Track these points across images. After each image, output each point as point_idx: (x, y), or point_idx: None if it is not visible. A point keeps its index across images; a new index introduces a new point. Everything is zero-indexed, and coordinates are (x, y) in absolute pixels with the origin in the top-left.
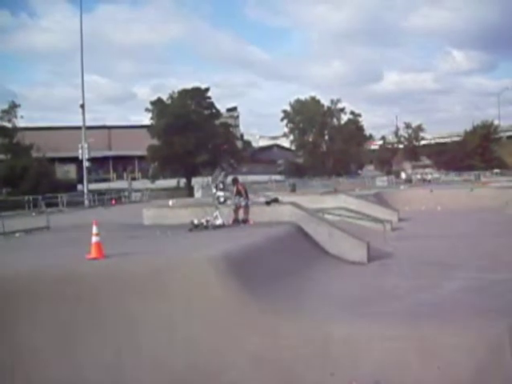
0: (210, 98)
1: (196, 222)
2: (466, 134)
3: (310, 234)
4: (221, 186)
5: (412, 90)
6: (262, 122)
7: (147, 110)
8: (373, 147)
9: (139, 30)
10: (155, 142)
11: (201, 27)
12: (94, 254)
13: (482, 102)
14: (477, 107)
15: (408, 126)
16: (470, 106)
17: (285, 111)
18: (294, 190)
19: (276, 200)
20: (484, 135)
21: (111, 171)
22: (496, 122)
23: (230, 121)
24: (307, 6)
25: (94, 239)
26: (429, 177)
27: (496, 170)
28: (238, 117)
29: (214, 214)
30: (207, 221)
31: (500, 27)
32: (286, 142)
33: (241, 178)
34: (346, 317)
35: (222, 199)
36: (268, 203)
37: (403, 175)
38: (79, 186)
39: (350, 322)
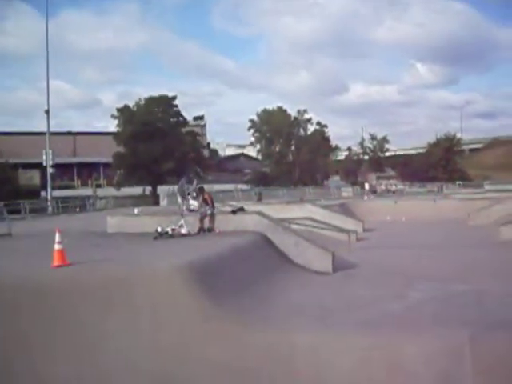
0: (176, 106)
1: (161, 230)
2: (430, 146)
3: (275, 243)
4: (194, 194)
5: (377, 101)
6: (229, 130)
7: (113, 116)
8: (339, 158)
9: (104, 37)
10: (121, 149)
11: (167, 36)
12: (56, 261)
13: (445, 115)
14: (440, 120)
15: (373, 137)
16: (434, 118)
17: (252, 121)
18: (260, 199)
19: (242, 209)
20: (447, 148)
21: (76, 178)
22: (458, 135)
23: (197, 129)
24: (272, 16)
25: (57, 247)
26: (393, 188)
27: (459, 182)
28: (204, 125)
29: (180, 223)
30: (173, 229)
31: (461, 42)
32: (252, 152)
33: (207, 187)
34: (312, 327)
35: (192, 207)
36: (234, 212)
37: (366, 186)
38: (43, 193)
39: (316, 332)
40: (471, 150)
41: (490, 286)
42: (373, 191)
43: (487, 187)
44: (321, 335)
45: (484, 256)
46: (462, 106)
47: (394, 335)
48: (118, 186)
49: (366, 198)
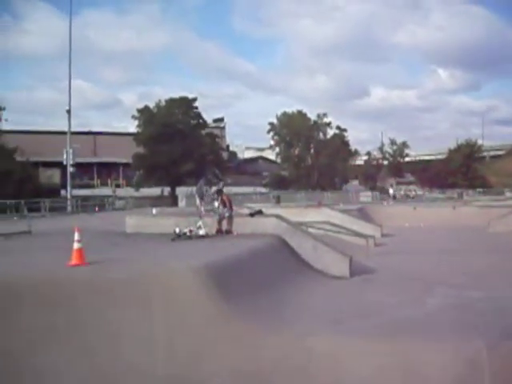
0: (196, 107)
1: (179, 231)
2: (450, 152)
3: (293, 247)
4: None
5: (397, 106)
6: (248, 133)
7: (134, 117)
8: (358, 162)
9: (125, 37)
10: (141, 149)
11: (187, 36)
12: (75, 260)
13: (466, 121)
14: (461, 126)
15: (393, 142)
16: (455, 124)
17: (271, 124)
18: (278, 202)
19: (260, 212)
20: (468, 154)
21: (95, 177)
22: (480, 142)
23: (217, 131)
24: (292, 18)
25: (76, 245)
26: (412, 193)
27: (479, 189)
28: (224, 127)
29: (198, 224)
30: (190, 231)
31: (483, 47)
32: (271, 155)
33: (225, 189)
34: (328, 332)
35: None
36: (252, 215)
37: (391, 190)
38: (63, 192)
39: (332, 337)
40: (492, 157)
41: (507, 293)
42: (393, 196)
43: (508, 194)
44: (337, 340)
45: (502, 263)
46: (483, 112)
47: (411, 342)
48: (137, 186)
49: (391, 202)
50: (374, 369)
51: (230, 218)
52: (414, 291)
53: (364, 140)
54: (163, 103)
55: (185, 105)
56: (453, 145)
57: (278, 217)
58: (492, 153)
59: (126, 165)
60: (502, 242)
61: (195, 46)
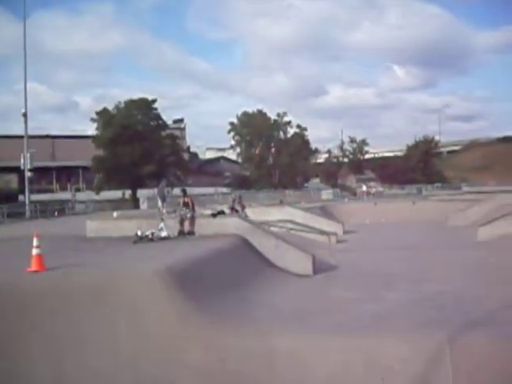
0: (156, 109)
1: (141, 234)
2: (409, 148)
3: (255, 246)
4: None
5: (356, 104)
6: (208, 133)
7: (92, 120)
8: (319, 161)
9: (79, 38)
10: (100, 152)
11: (143, 37)
12: (34, 266)
13: (424, 117)
14: (418, 123)
15: (352, 140)
16: (412, 121)
17: (232, 124)
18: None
19: (222, 212)
20: (425, 150)
21: (54, 182)
22: (437, 138)
23: (177, 132)
24: (248, 18)
25: (35, 251)
26: (373, 190)
27: (437, 184)
28: (184, 128)
29: (159, 226)
30: (152, 233)
31: (438, 46)
32: (232, 155)
33: (188, 190)
34: (292, 329)
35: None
36: (214, 215)
37: (364, 188)
38: (21, 197)
39: (296, 334)
40: (449, 153)
41: (468, 286)
42: (353, 193)
43: (465, 189)
44: (301, 338)
45: (462, 257)
46: (440, 108)
47: (373, 337)
48: (98, 189)
49: (365, 198)
50: (337, 365)
51: (192, 219)
52: (375, 287)
53: (324, 138)
54: (122, 105)
55: (144, 106)
56: (411, 141)
57: (240, 217)
58: (449, 148)
59: (85, 168)
60: (461, 235)
61: (151, 46)
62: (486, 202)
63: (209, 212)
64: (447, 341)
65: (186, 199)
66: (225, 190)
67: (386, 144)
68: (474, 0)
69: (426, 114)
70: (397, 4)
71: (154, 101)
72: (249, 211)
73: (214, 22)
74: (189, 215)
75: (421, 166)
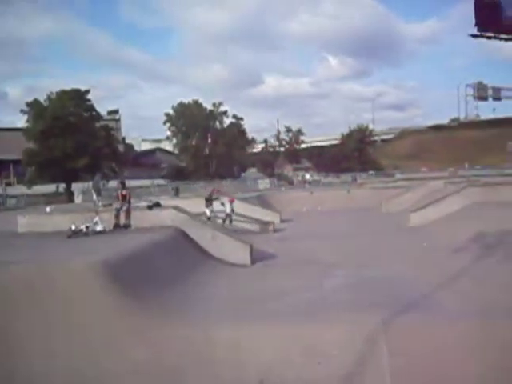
0: (89, 100)
1: (75, 228)
2: (343, 137)
3: (193, 237)
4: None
5: (291, 93)
6: (144, 125)
7: (22, 111)
8: (255, 150)
9: (7, 25)
10: (31, 145)
11: (76, 25)
12: None
13: (358, 106)
14: (353, 111)
15: (288, 129)
16: (347, 110)
17: (167, 114)
18: (177, 193)
19: (158, 204)
20: (360, 139)
21: None
22: (371, 126)
23: (112, 124)
24: (184, 7)
25: None
26: (309, 179)
27: (371, 172)
28: (119, 120)
29: (94, 220)
30: (87, 227)
31: (371, 36)
32: (169, 146)
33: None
34: (231, 319)
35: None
36: (150, 207)
37: (307, 176)
38: None
39: (235, 324)
40: (383, 141)
41: (401, 270)
42: (289, 182)
43: (398, 176)
44: (239, 327)
45: (395, 242)
46: (373, 98)
47: (310, 323)
48: (30, 183)
49: (307, 186)
50: (276, 352)
51: (128, 211)
52: (312, 274)
53: (261, 128)
54: (54, 96)
55: (77, 97)
56: (346, 130)
57: (176, 208)
58: (383, 137)
59: (16, 162)
60: (394, 221)
61: (85, 35)
62: (418, 188)
63: (144, 204)
64: (382, 324)
65: (123, 192)
66: (161, 181)
67: (321, 133)
68: None
69: (360, 103)
70: None
71: (87, 91)
72: (185, 203)
73: (149, 10)
74: (124, 208)
75: (356, 155)
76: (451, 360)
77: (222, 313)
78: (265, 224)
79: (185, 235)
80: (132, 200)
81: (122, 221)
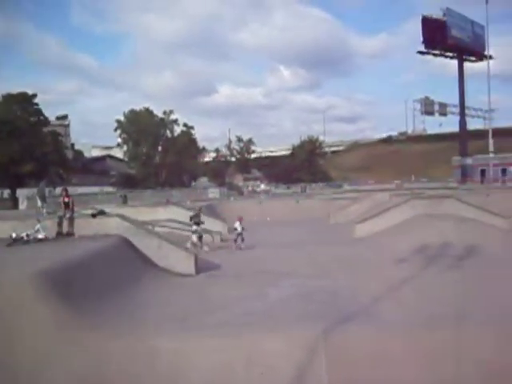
0: (37, 104)
1: (16, 236)
2: (294, 148)
3: (137, 246)
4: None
5: (243, 103)
6: (94, 131)
7: None
8: (207, 159)
9: None
10: None
11: (24, 28)
12: None
13: (309, 118)
14: (304, 123)
15: (239, 139)
16: (298, 121)
17: (118, 121)
18: (125, 201)
19: (102, 212)
20: (310, 150)
21: None
22: (321, 138)
23: (60, 129)
24: (134, 13)
25: None
26: (259, 189)
27: (321, 183)
28: (68, 125)
29: (36, 228)
30: (27, 235)
31: (322, 48)
32: (119, 153)
33: (71, 190)
34: (173, 330)
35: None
36: (94, 215)
37: (262, 186)
38: None
39: (176, 335)
40: (333, 152)
41: (345, 281)
42: (240, 192)
43: (346, 187)
44: (182, 338)
45: (341, 253)
46: (324, 109)
47: (254, 333)
48: None
49: (262, 197)
50: (218, 363)
51: (71, 219)
52: (258, 284)
53: (213, 137)
54: (0, 99)
55: (24, 101)
56: (297, 141)
57: (120, 216)
58: (333, 148)
59: None
60: (341, 232)
61: (32, 38)
62: (365, 200)
63: (89, 212)
64: (323, 334)
65: (65, 199)
66: (110, 189)
67: (272, 143)
68: (356, 7)
69: (312, 115)
70: (283, 5)
71: (34, 95)
72: (132, 211)
73: (99, 15)
74: (67, 215)
75: (306, 166)
76: (389, 370)
77: (164, 323)
78: (211, 234)
79: (129, 244)
80: (77, 208)
81: (65, 229)
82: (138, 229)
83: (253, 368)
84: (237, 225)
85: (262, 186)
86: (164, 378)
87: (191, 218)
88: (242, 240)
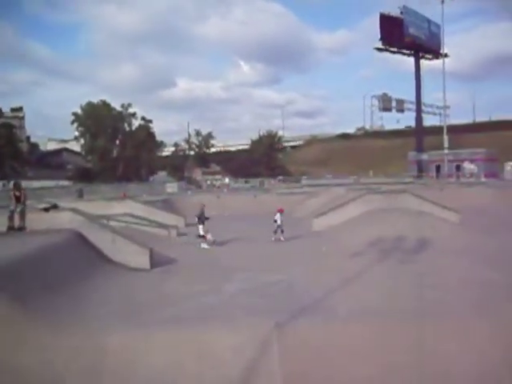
0: None
1: None
2: (253, 143)
3: (91, 241)
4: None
5: (203, 97)
6: (51, 124)
7: None
8: (165, 153)
9: None
10: None
11: None
12: None
13: (269, 113)
14: (263, 117)
15: (198, 133)
16: (258, 116)
17: (75, 114)
18: (81, 195)
19: (55, 206)
20: (269, 144)
21: None
22: (280, 133)
23: (15, 121)
24: (91, 3)
25: None
26: (218, 183)
27: (279, 178)
28: (23, 117)
29: None
30: None
31: (281, 43)
32: (76, 146)
33: (25, 183)
34: (125, 326)
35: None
36: (46, 209)
37: (226, 180)
38: None
39: (127, 330)
40: (292, 147)
41: (300, 275)
42: (198, 186)
43: (304, 182)
44: (133, 334)
45: (298, 246)
46: (284, 104)
47: (206, 328)
48: None
49: (225, 190)
50: (170, 359)
51: (22, 213)
52: (212, 279)
53: (173, 131)
54: None
55: None
56: (255, 136)
57: (73, 210)
58: (292, 143)
59: None
60: (299, 226)
61: None
62: (322, 194)
63: (42, 206)
64: (275, 328)
65: (16, 193)
66: (66, 183)
67: (232, 138)
68: (315, 2)
69: (271, 109)
70: (243, 0)
71: None
72: (88, 205)
73: (54, 4)
74: (19, 209)
75: (265, 160)
76: (341, 363)
77: (115, 319)
78: (168, 228)
79: (82, 238)
80: (31, 202)
81: (17, 223)
82: (91, 223)
83: (204, 362)
84: (277, 217)
85: (227, 180)
86: (113, 375)
87: (198, 218)
88: (282, 232)
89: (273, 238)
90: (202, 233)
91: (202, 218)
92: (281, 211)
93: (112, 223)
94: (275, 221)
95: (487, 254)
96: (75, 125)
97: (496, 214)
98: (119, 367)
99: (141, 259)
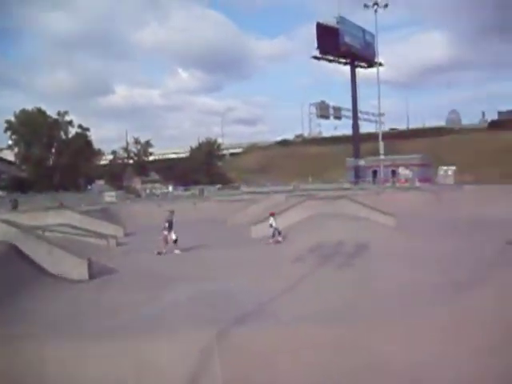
0: None
1: None
2: (192, 150)
3: (26, 253)
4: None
5: (141, 105)
6: None
7: None
8: (103, 162)
9: None
10: None
11: None
12: None
13: (208, 120)
14: (203, 125)
15: (137, 141)
16: (197, 123)
17: (9, 122)
18: (15, 206)
19: None
20: (208, 152)
21: None
22: (220, 140)
23: None
24: (25, 8)
25: None
26: (158, 192)
27: (218, 186)
28: None
29: None
30: None
31: (220, 50)
32: (10, 155)
33: None
34: (61, 339)
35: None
36: None
37: (170, 188)
38: None
39: (65, 343)
40: (232, 154)
41: (241, 283)
42: (137, 195)
43: (243, 189)
44: (69, 346)
45: (238, 254)
46: (223, 112)
47: (146, 338)
48: None
49: (128, 202)
50: (108, 369)
51: None
52: (153, 289)
53: (110, 139)
54: None
55: None
56: (195, 143)
57: (6, 222)
58: (232, 150)
59: None
60: (238, 233)
61: None
62: (262, 201)
63: None
64: (216, 335)
65: None
66: (0, 193)
67: (172, 145)
68: (253, 10)
69: (212, 117)
70: (181, 7)
71: None
72: (23, 216)
73: None
74: None
75: (204, 168)
76: (282, 367)
77: (51, 331)
78: (106, 238)
79: (17, 251)
80: None
81: None
82: (26, 235)
83: (144, 373)
84: (271, 221)
85: (170, 188)
86: None
87: (168, 224)
88: (279, 233)
89: (270, 241)
90: (174, 237)
91: (171, 225)
92: (272, 214)
93: (48, 234)
94: (270, 225)
95: (420, 257)
96: (8, 133)
97: (429, 218)
98: (56, 378)
99: (79, 270)
